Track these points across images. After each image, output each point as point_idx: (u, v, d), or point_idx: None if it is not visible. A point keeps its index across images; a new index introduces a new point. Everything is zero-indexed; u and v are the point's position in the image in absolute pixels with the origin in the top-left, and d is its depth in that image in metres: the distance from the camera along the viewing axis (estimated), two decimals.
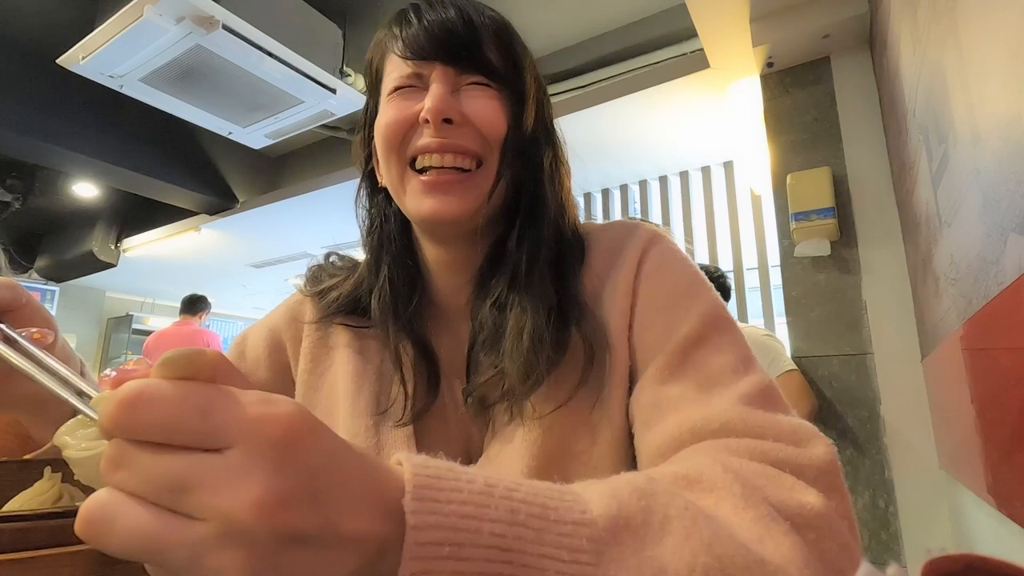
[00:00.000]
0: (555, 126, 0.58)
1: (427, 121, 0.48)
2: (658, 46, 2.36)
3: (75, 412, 0.26)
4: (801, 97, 1.91)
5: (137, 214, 4.22)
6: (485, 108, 0.50)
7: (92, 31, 1.93)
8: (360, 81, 2.33)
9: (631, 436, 0.48)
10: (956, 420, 1.12)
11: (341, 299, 0.58)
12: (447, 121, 0.48)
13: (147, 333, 4.61)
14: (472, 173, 0.50)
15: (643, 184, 3.18)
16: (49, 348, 0.44)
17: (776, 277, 2.21)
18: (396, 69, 0.51)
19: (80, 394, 0.27)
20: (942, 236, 1.05)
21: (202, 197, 3.53)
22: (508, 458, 0.47)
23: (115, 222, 4.30)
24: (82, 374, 0.51)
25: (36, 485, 0.40)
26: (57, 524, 0.30)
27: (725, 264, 2.94)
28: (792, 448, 0.37)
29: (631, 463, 0.48)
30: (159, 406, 0.21)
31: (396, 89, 0.51)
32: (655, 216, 3.12)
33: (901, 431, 1.60)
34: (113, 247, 4.30)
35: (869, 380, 1.67)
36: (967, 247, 0.87)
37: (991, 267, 0.74)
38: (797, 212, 1.74)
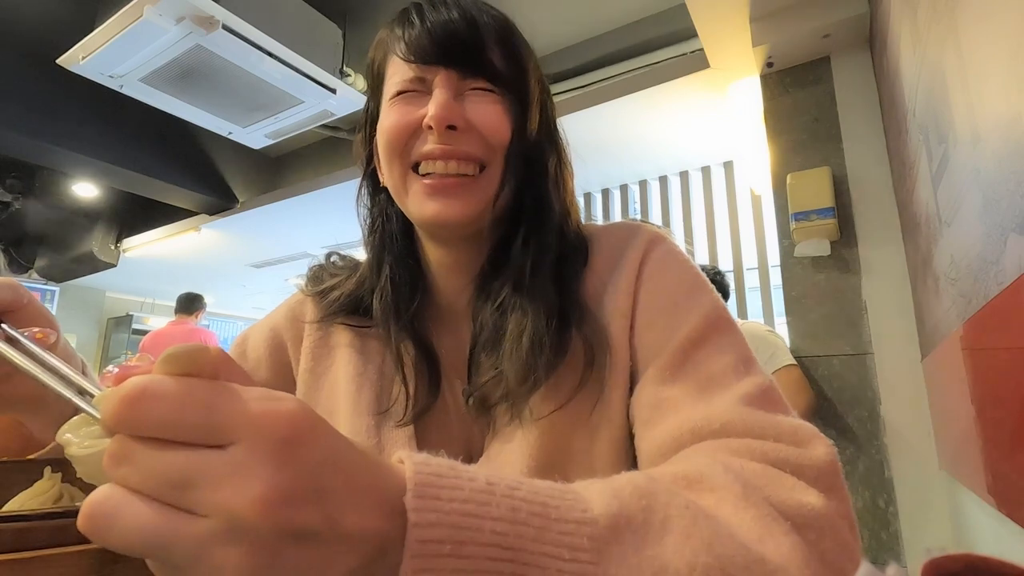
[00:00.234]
0: (558, 127, 0.58)
1: (431, 127, 0.48)
2: (658, 46, 2.36)
3: (77, 412, 0.26)
4: (801, 97, 1.92)
5: (137, 214, 4.22)
6: (489, 114, 0.49)
7: (92, 31, 1.93)
8: (360, 81, 2.33)
9: (631, 436, 0.48)
10: (956, 420, 1.12)
11: (342, 298, 0.58)
12: (451, 127, 0.48)
13: (147, 333, 4.60)
14: (475, 177, 0.49)
15: (643, 184, 3.18)
16: (51, 348, 0.43)
17: (776, 277, 2.21)
18: (399, 72, 0.51)
19: (82, 393, 0.27)
20: (942, 236, 1.05)
21: (202, 197, 3.53)
22: (509, 458, 0.47)
23: (115, 222, 4.30)
24: (84, 374, 0.51)
25: (36, 485, 0.40)
26: (57, 524, 0.30)
27: (725, 264, 2.94)
28: (792, 448, 0.37)
29: (631, 463, 0.48)
30: (162, 402, 0.21)
31: (399, 93, 0.51)
32: (655, 216, 3.12)
33: (901, 431, 1.60)
34: (113, 247, 4.30)
35: (869, 380, 1.67)
36: (967, 247, 0.87)
37: (991, 267, 0.74)
38: (797, 212, 1.74)
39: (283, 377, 0.60)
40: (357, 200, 0.59)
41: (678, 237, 0.66)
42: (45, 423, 0.49)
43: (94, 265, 4.36)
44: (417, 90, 0.50)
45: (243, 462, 0.21)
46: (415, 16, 0.50)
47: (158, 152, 3.27)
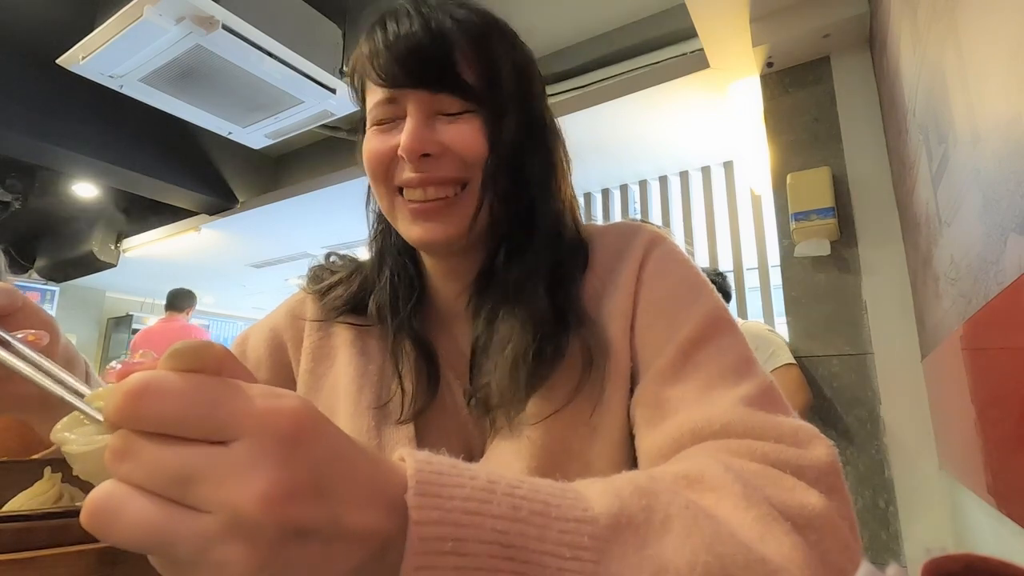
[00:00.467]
0: (553, 124, 0.56)
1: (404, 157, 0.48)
2: (658, 46, 2.36)
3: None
4: (801, 97, 1.91)
5: (137, 214, 4.22)
6: (462, 134, 0.48)
7: (92, 31, 1.93)
8: None
9: (632, 437, 0.48)
10: (956, 420, 1.12)
11: (345, 296, 0.58)
12: (425, 155, 0.48)
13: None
14: (456, 198, 0.49)
15: (643, 184, 3.18)
16: (50, 349, 0.44)
17: (776, 277, 2.21)
18: (373, 93, 0.51)
19: (76, 393, 0.27)
20: (942, 236, 1.05)
21: (202, 197, 3.53)
22: (509, 458, 0.48)
23: (115, 222, 4.30)
24: (87, 375, 0.51)
25: (36, 485, 0.40)
26: (57, 524, 0.30)
27: (725, 264, 2.95)
28: (793, 449, 0.37)
29: (632, 464, 0.48)
30: (166, 397, 0.21)
31: (376, 122, 0.50)
32: (655, 216, 3.12)
33: (901, 431, 1.60)
34: (113, 247, 4.30)
35: (869, 380, 1.67)
36: (967, 247, 0.87)
37: (991, 267, 0.74)
38: (797, 212, 1.74)
39: (283, 377, 0.60)
40: (367, 203, 0.59)
41: (678, 237, 0.66)
42: (51, 424, 0.49)
43: (94, 265, 4.36)
44: (392, 119, 0.50)
45: (246, 459, 0.21)
46: (379, 33, 0.49)
47: (158, 152, 3.27)
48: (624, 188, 3.24)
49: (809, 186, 1.76)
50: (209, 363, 0.23)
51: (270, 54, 2.07)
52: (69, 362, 0.48)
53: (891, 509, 1.59)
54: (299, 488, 0.21)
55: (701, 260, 2.98)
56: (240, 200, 3.68)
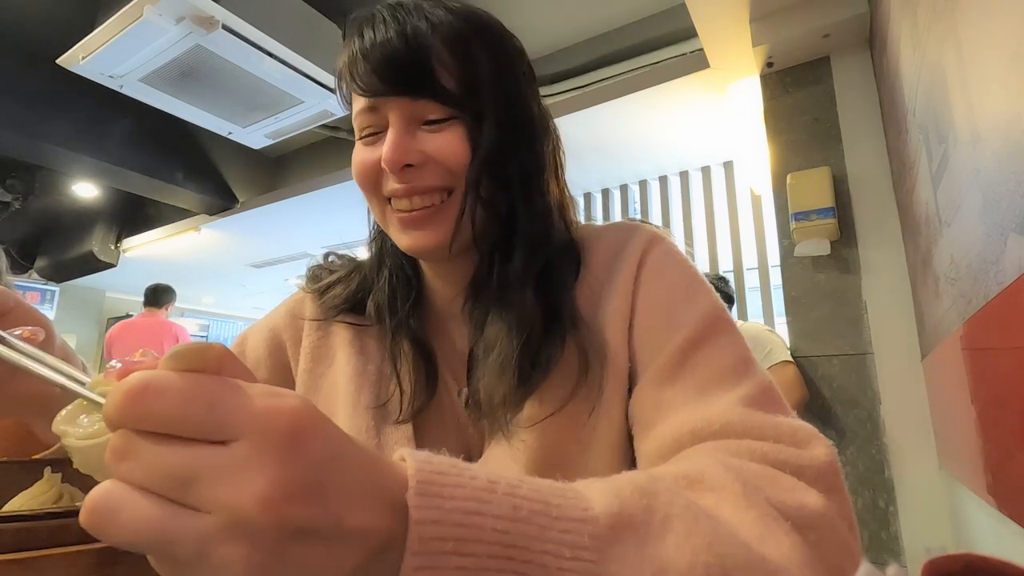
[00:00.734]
0: (541, 120, 0.54)
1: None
2: (658, 46, 2.36)
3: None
4: (801, 97, 1.92)
5: (137, 214, 4.23)
6: (444, 144, 0.47)
7: (92, 31, 1.93)
8: None
9: (630, 438, 0.48)
10: (956, 420, 1.12)
11: (344, 296, 0.58)
12: (408, 166, 0.47)
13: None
14: (442, 205, 0.49)
15: (643, 184, 3.19)
16: (46, 347, 0.44)
17: (776, 277, 2.21)
18: (356, 101, 0.51)
19: (77, 383, 0.27)
20: (942, 236, 1.05)
21: (202, 197, 3.53)
22: (505, 461, 0.48)
23: (115, 222, 4.30)
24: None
25: (36, 485, 0.40)
26: (57, 524, 0.30)
27: (725, 264, 2.95)
28: (792, 449, 0.37)
29: (631, 464, 0.48)
30: (166, 397, 0.21)
31: (360, 132, 0.51)
32: (655, 216, 3.12)
33: (901, 431, 1.60)
34: (113, 247, 4.30)
35: (869, 380, 1.67)
36: (967, 247, 0.87)
37: (991, 267, 0.74)
38: (797, 212, 1.74)
39: (282, 377, 0.60)
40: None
41: (678, 237, 0.65)
42: (50, 427, 0.49)
43: (94, 265, 4.36)
44: (375, 128, 0.49)
45: (246, 458, 0.21)
46: (356, 41, 0.49)
47: (158, 152, 3.27)
48: (624, 188, 3.24)
49: (809, 186, 1.76)
50: (210, 363, 0.23)
51: (270, 54, 2.07)
52: (65, 360, 0.48)
53: (891, 509, 1.59)
54: (299, 488, 0.21)
55: (701, 260, 2.98)
56: (240, 200, 3.68)
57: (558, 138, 0.57)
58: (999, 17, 0.64)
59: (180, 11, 1.81)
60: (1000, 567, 0.20)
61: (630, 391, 0.48)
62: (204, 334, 7.06)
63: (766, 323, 2.61)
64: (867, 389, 1.67)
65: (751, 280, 2.79)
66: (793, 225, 1.75)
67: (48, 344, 0.44)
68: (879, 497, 1.61)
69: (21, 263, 4.69)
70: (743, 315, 2.76)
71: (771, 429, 0.39)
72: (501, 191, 0.50)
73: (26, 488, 0.40)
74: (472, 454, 0.52)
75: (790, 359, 1.74)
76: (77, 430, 0.25)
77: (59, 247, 4.56)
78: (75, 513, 0.31)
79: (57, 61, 2.06)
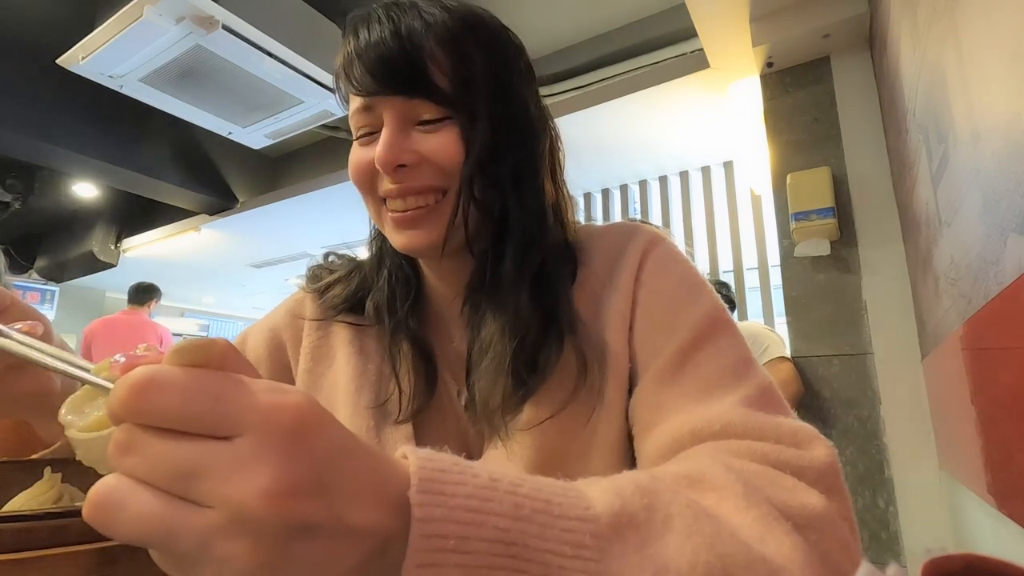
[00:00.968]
0: (538, 119, 0.54)
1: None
2: (658, 46, 2.36)
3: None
4: (801, 97, 1.92)
5: (137, 214, 4.22)
6: (438, 144, 0.47)
7: (92, 31, 1.93)
8: None
9: (630, 438, 0.48)
10: (956, 420, 1.12)
11: (343, 295, 0.58)
12: (401, 166, 0.47)
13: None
14: (436, 205, 0.49)
15: (643, 184, 3.19)
16: (44, 342, 0.44)
17: (776, 277, 2.21)
18: (352, 101, 0.51)
19: (80, 370, 0.27)
20: (942, 236, 1.05)
21: (202, 197, 3.53)
22: (506, 460, 0.48)
23: (115, 222, 4.30)
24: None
25: (36, 485, 0.40)
26: (57, 524, 0.30)
27: (725, 264, 2.95)
28: (793, 450, 0.37)
29: (630, 465, 0.48)
30: (170, 392, 0.21)
31: (357, 131, 0.50)
32: (655, 216, 3.13)
33: (901, 431, 1.60)
34: (113, 247, 4.30)
35: (869, 380, 1.67)
36: (967, 247, 0.87)
37: (991, 267, 0.74)
38: (797, 212, 1.74)
39: (282, 377, 0.60)
40: None
41: (678, 237, 0.65)
42: (53, 424, 0.49)
43: (94, 265, 4.36)
44: (370, 128, 0.49)
45: (249, 454, 0.21)
46: (352, 41, 0.49)
47: (158, 152, 3.27)
48: (624, 188, 3.24)
49: (809, 186, 1.76)
50: (213, 359, 0.23)
51: (270, 54, 2.07)
52: None
53: (891, 509, 1.59)
54: (302, 484, 0.21)
55: (701, 260, 2.98)
56: (240, 200, 3.68)
57: (557, 137, 0.57)
58: (999, 17, 0.64)
59: (180, 11, 1.81)
60: (1000, 567, 0.20)
61: (630, 391, 0.48)
62: (204, 334, 7.06)
63: (766, 323, 2.61)
64: (867, 389, 1.67)
65: (751, 280, 2.79)
66: (793, 225, 1.75)
67: (46, 340, 0.44)
68: (879, 497, 1.61)
69: (21, 263, 4.69)
70: (743, 315, 2.76)
71: (772, 430, 0.39)
72: (495, 191, 0.49)
73: (26, 488, 0.40)
74: (472, 454, 0.52)
75: (784, 354, 1.74)
76: (80, 421, 0.25)
77: (59, 247, 4.56)
78: (75, 513, 0.31)
79: (57, 61, 2.06)
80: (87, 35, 1.94)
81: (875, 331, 1.68)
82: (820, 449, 0.38)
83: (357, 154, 0.50)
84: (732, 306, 2.35)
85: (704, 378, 0.44)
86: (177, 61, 2.07)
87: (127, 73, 2.12)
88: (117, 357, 0.26)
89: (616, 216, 3.24)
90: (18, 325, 0.37)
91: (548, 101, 0.57)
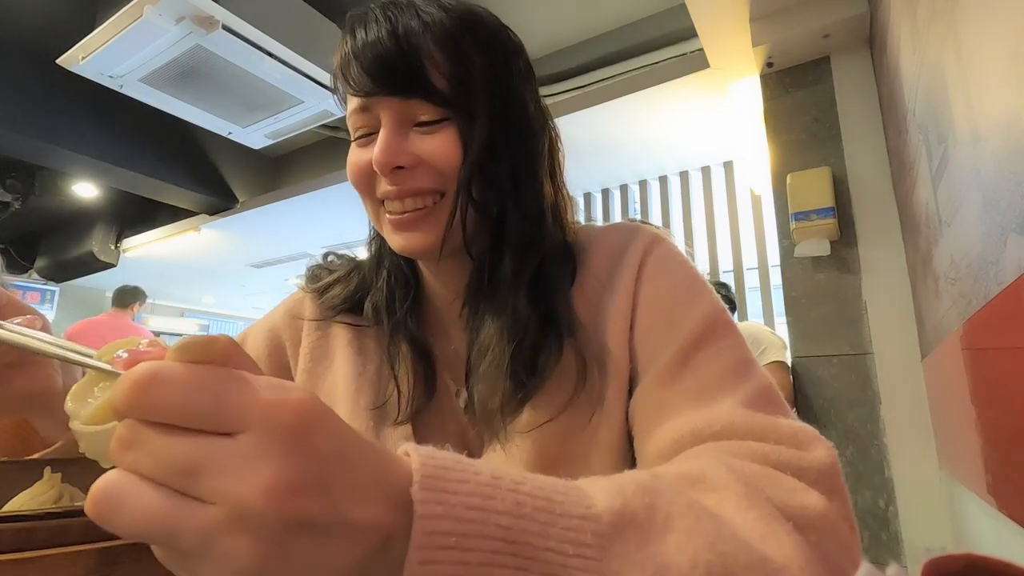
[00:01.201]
0: (537, 119, 0.53)
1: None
2: (658, 46, 2.36)
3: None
4: (801, 97, 1.91)
5: (137, 214, 4.22)
6: (436, 146, 0.47)
7: (92, 31, 1.93)
8: None
9: (631, 439, 0.48)
10: (956, 420, 1.12)
11: (343, 296, 0.58)
12: (399, 168, 0.47)
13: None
14: (433, 207, 0.49)
15: (643, 184, 3.19)
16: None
17: (776, 277, 2.21)
18: (349, 101, 0.51)
19: (83, 355, 0.27)
20: (942, 236, 1.05)
21: (202, 197, 3.53)
22: (507, 461, 0.47)
23: (115, 222, 4.30)
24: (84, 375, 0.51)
25: (36, 485, 0.40)
26: (57, 524, 0.30)
27: (725, 264, 2.95)
28: (793, 451, 0.37)
29: (631, 466, 0.47)
30: (173, 388, 0.21)
31: (354, 132, 0.50)
32: (655, 216, 3.13)
33: (901, 431, 1.60)
34: (113, 247, 4.30)
35: (869, 380, 1.67)
36: (967, 247, 0.87)
37: (991, 267, 0.74)
38: (797, 212, 1.74)
39: (282, 377, 0.59)
40: None
41: (678, 237, 0.65)
42: (54, 423, 0.49)
43: (94, 265, 4.36)
44: (368, 129, 0.49)
45: (251, 450, 0.21)
46: (349, 41, 0.48)
47: (158, 152, 3.27)
48: (624, 188, 3.24)
49: (809, 186, 1.76)
50: (216, 355, 0.23)
51: (270, 54, 2.07)
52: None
53: (891, 509, 1.59)
54: (303, 481, 0.21)
55: (701, 260, 2.98)
56: (240, 200, 3.68)
57: (556, 138, 0.56)
58: (999, 17, 0.64)
59: (180, 11, 1.81)
60: (1000, 567, 0.20)
61: (630, 393, 0.48)
62: (204, 334, 7.05)
63: (766, 323, 2.62)
64: (867, 389, 1.67)
65: (751, 280, 2.79)
66: (793, 225, 1.75)
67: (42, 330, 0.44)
68: (879, 497, 1.61)
69: (21, 263, 4.69)
70: (743, 315, 2.76)
71: (772, 430, 0.39)
72: (493, 192, 0.49)
73: (26, 488, 0.40)
74: (472, 456, 0.52)
75: (783, 359, 1.74)
76: (84, 411, 0.25)
77: (59, 247, 4.56)
78: (75, 513, 0.31)
79: (57, 61, 2.06)
80: (87, 35, 1.94)
81: (875, 331, 1.68)
82: (820, 450, 0.38)
83: (355, 155, 0.50)
84: (732, 307, 2.35)
85: (705, 379, 0.44)
86: (177, 61, 2.07)
87: (127, 73, 2.12)
88: (120, 352, 0.26)
89: (616, 216, 3.24)
90: (17, 319, 0.37)
91: (548, 101, 0.57)
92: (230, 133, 2.64)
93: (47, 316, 0.48)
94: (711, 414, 0.41)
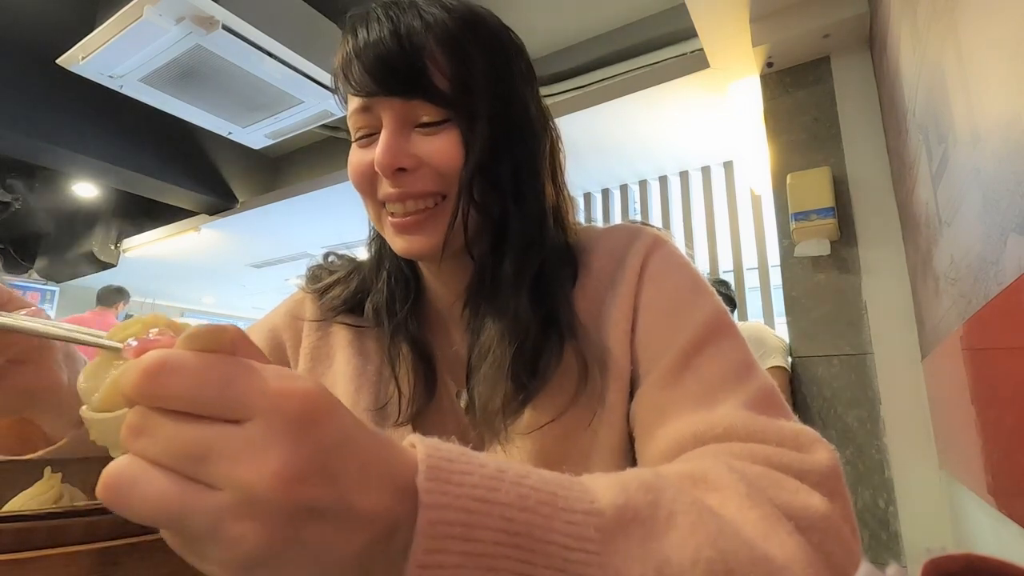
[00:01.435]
0: (538, 120, 0.53)
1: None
2: (658, 46, 2.36)
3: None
4: (801, 97, 1.92)
5: (137, 214, 4.23)
6: (438, 148, 0.47)
7: (92, 31, 1.93)
8: None
9: (631, 440, 0.48)
10: (956, 420, 1.12)
11: (343, 296, 0.58)
12: (401, 169, 0.47)
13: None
14: (435, 209, 0.49)
15: (643, 184, 3.19)
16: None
17: (776, 277, 2.21)
18: (350, 101, 0.50)
19: (94, 337, 0.28)
20: (942, 236, 1.05)
21: (202, 197, 3.53)
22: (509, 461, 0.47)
23: (115, 222, 4.30)
24: None
25: (36, 485, 0.40)
26: (57, 524, 0.30)
27: (725, 264, 2.95)
28: (795, 453, 0.37)
29: (631, 467, 0.47)
30: (182, 375, 0.22)
31: (356, 133, 0.50)
32: (655, 216, 3.13)
33: (901, 431, 1.60)
34: (113, 247, 4.30)
35: (869, 380, 1.67)
36: (967, 247, 0.87)
37: (991, 267, 0.74)
38: (797, 212, 1.74)
39: None
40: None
41: (678, 237, 0.64)
42: (59, 420, 0.49)
43: (94, 265, 4.36)
44: (369, 130, 0.49)
45: (259, 438, 0.21)
46: (350, 40, 0.48)
47: (158, 152, 3.27)
48: (624, 188, 3.24)
49: (809, 186, 1.76)
50: (225, 344, 0.23)
51: (270, 54, 2.07)
52: (68, 356, 0.48)
53: (891, 509, 1.59)
54: (311, 468, 0.21)
55: (701, 260, 2.99)
56: (240, 200, 3.68)
57: (557, 139, 0.56)
58: (999, 17, 0.64)
59: (180, 11, 1.81)
60: (1000, 567, 0.20)
61: (631, 394, 0.48)
62: None
63: (766, 323, 2.62)
64: (867, 389, 1.67)
65: (751, 280, 2.79)
66: (793, 225, 1.75)
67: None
68: (879, 497, 1.61)
69: (21, 263, 4.69)
70: (743, 315, 2.76)
71: (774, 433, 0.39)
72: (495, 194, 0.49)
73: (26, 488, 0.40)
74: None
75: (782, 364, 1.74)
76: (97, 394, 0.25)
77: (59, 247, 4.56)
78: (75, 513, 0.31)
79: (57, 61, 2.06)
80: (87, 35, 1.94)
81: (875, 331, 1.68)
82: (822, 453, 0.38)
83: (356, 156, 0.50)
84: (732, 305, 2.35)
85: (706, 381, 0.44)
86: (177, 61, 2.07)
87: (127, 73, 2.12)
88: (130, 340, 0.26)
89: (616, 216, 3.24)
90: (23, 312, 0.37)
91: (548, 101, 0.57)
92: (230, 133, 2.64)
93: (47, 315, 0.48)
94: (713, 416, 0.41)
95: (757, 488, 0.32)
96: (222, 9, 1.84)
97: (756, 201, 2.84)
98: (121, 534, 0.31)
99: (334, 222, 3.69)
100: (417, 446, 0.26)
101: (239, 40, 1.97)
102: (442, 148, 0.47)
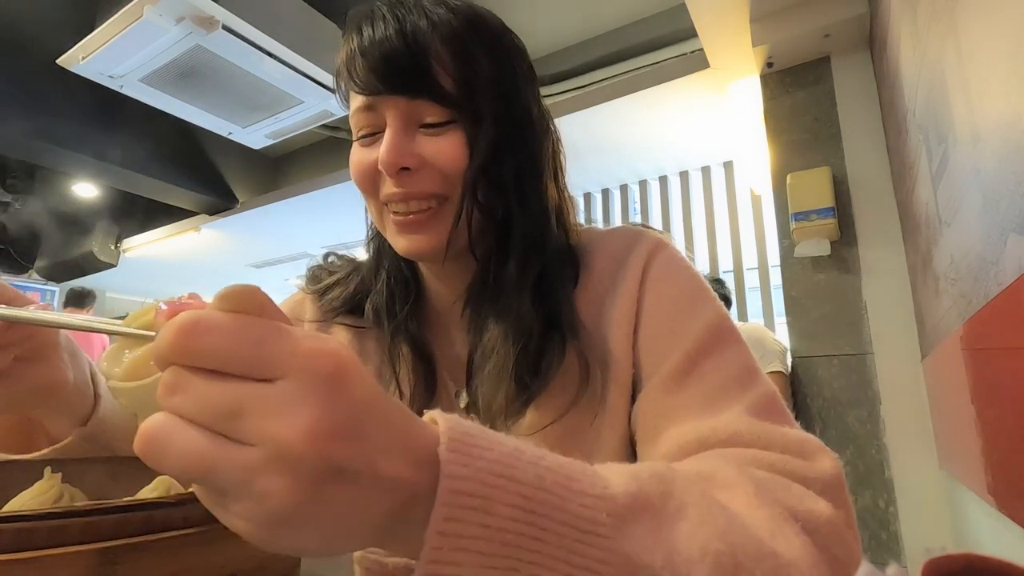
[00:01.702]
0: (540, 120, 0.53)
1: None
2: (658, 46, 2.36)
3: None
4: (801, 97, 1.92)
5: (137, 214, 4.22)
6: (442, 149, 0.47)
7: (92, 31, 1.93)
8: None
9: (633, 444, 0.48)
10: (956, 420, 1.12)
11: (342, 297, 0.58)
12: (404, 169, 0.47)
13: None
14: (437, 209, 0.48)
15: (643, 184, 3.19)
16: (52, 334, 0.44)
17: (776, 277, 2.21)
18: (353, 100, 0.50)
19: (110, 323, 0.29)
20: (942, 236, 1.05)
21: (202, 197, 3.53)
22: None
23: (115, 222, 4.30)
24: (91, 372, 0.51)
25: (36, 485, 0.40)
26: (57, 524, 0.30)
27: (725, 264, 2.95)
28: (799, 461, 0.37)
29: None
30: (216, 334, 0.22)
31: (358, 131, 0.50)
32: (655, 216, 3.13)
33: (901, 431, 1.60)
34: (113, 247, 4.30)
35: (869, 380, 1.67)
36: (967, 247, 0.87)
37: (991, 267, 0.74)
38: (797, 212, 1.74)
39: None
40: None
41: (678, 237, 0.65)
42: (64, 419, 0.48)
43: (94, 265, 4.36)
44: (373, 128, 0.49)
45: (291, 396, 0.21)
46: (355, 39, 0.48)
47: (158, 152, 3.27)
48: (624, 188, 3.24)
49: (809, 186, 1.76)
50: (255, 306, 0.23)
51: (270, 54, 2.07)
52: (72, 356, 0.48)
53: (891, 509, 1.59)
54: (341, 427, 0.22)
55: (701, 260, 2.98)
56: (240, 200, 3.68)
57: (558, 139, 0.56)
58: (999, 17, 0.64)
59: (180, 11, 1.81)
60: (1000, 567, 0.20)
61: (633, 398, 0.48)
62: None
63: (766, 323, 2.62)
64: (867, 389, 1.67)
65: (751, 280, 2.79)
66: (793, 225, 1.75)
67: (52, 334, 0.44)
68: (879, 497, 1.61)
69: (21, 263, 4.68)
70: (743, 315, 2.76)
71: (778, 440, 0.39)
72: (498, 195, 0.49)
73: (26, 488, 0.40)
74: None
75: (781, 369, 1.74)
76: (119, 369, 0.26)
77: (59, 247, 4.56)
78: (75, 513, 0.31)
79: (57, 61, 2.05)
80: (87, 35, 1.94)
81: (875, 331, 1.68)
82: (826, 461, 0.38)
83: (358, 155, 0.50)
84: (728, 303, 2.35)
85: (710, 387, 0.44)
86: (177, 61, 2.07)
87: (127, 73, 2.12)
88: (161, 304, 0.27)
89: (616, 216, 3.24)
90: (32, 306, 0.37)
91: (548, 101, 0.57)
92: (230, 133, 2.64)
93: None
94: (716, 423, 0.41)
95: (765, 489, 0.33)
96: (222, 9, 1.84)
97: (756, 201, 2.84)
98: (121, 534, 0.31)
99: (334, 222, 3.69)
100: (438, 420, 0.26)
101: (239, 40, 1.97)
102: (447, 149, 0.47)
